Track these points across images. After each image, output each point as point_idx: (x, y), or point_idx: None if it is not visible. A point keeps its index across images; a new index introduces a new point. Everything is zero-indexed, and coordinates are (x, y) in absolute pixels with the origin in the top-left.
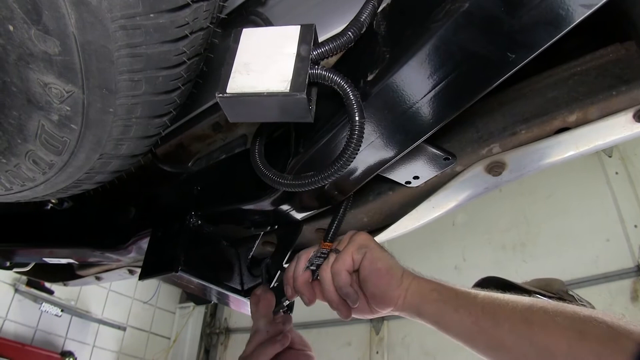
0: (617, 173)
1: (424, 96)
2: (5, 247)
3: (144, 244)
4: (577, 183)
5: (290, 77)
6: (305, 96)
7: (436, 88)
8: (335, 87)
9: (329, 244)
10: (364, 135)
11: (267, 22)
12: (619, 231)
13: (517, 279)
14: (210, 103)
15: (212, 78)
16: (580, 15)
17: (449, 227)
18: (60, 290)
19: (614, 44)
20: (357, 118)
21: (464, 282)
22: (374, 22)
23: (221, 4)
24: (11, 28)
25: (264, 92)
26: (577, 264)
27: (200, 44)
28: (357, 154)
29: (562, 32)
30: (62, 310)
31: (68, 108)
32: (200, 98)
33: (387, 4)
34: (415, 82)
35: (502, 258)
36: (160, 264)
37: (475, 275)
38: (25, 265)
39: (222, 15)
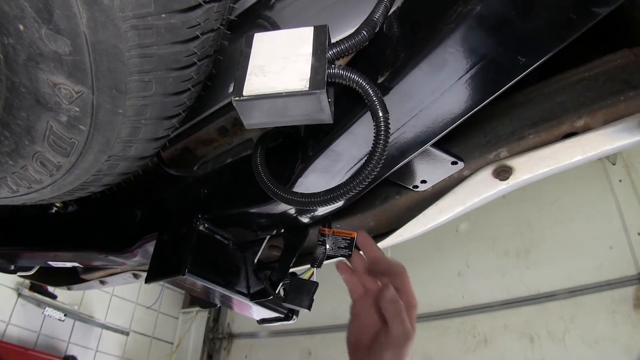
0: (620, 181)
1: (434, 99)
2: (10, 251)
3: (150, 247)
4: (581, 190)
5: (309, 76)
6: (325, 94)
7: (446, 91)
8: (354, 85)
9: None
10: (390, 132)
11: (275, 26)
12: (623, 239)
13: (520, 285)
14: (218, 106)
15: (221, 81)
16: (592, 19)
17: (453, 233)
18: (63, 295)
19: (622, 50)
20: (381, 114)
21: (468, 288)
22: (385, 24)
23: (231, 5)
24: (21, 27)
25: (282, 92)
26: (581, 271)
27: (211, 45)
28: (384, 157)
29: (574, 36)
30: (65, 315)
31: (77, 109)
32: (208, 101)
33: (398, 6)
34: (426, 84)
35: (505, 265)
36: (167, 267)
37: (479, 281)
38: (29, 269)
39: (232, 17)
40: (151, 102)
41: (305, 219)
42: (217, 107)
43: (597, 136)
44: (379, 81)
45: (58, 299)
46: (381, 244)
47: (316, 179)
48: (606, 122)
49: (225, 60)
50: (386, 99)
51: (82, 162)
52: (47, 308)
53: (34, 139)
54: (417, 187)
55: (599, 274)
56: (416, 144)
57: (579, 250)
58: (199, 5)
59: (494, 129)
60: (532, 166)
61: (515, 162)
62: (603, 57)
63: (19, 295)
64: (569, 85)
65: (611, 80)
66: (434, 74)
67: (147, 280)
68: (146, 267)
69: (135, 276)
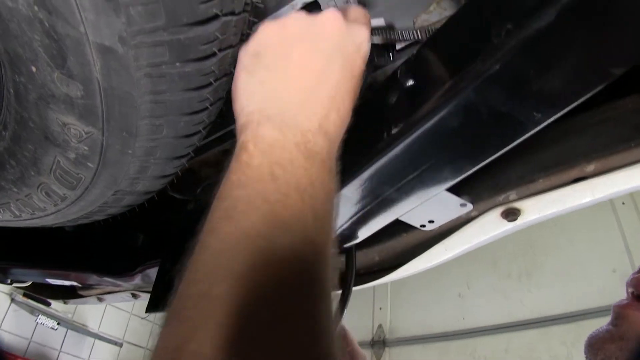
0: (623, 203)
1: (447, 150)
2: (6, 265)
3: (151, 272)
4: (583, 212)
5: None
6: None
7: (460, 143)
8: None
9: None
10: None
11: None
12: (626, 262)
13: (522, 308)
14: (225, 131)
15: (228, 107)
16: (608, 78)
17: None
18: (57, 302)
19: (632, 95)
20: None
21: (469, 310)
22: (398, 71)
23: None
24: (34, 69)
25: None
26: (583, 295)
27: (224, 88)
28: None
29: (590, 93)
30: (58, 323)
31: (86, 148)
32: (216, 127)
33: (413, 54)
34: (440, 137)
35: (507, 287)
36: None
37: (479, 303)
38: (25, 280)
39: None
40: (161, 143)
41: None
42: (224, 131)
43: (606, 180)
44: (393, 132)
45: (52, 306)
46: (386, 279)
47: None
48: (616, 167)
49: None
50: (399, 151)
51: (87, 196)
52: (40, 315)
53: (40, 170)
54: (424, 226)
55: (602, 298)
56: (429, 191)
57: (582, 274)
58: (213, 55)
59: (504, 172)
60: (541, 208)
61: (524, 205)
62: (614, 102)
63: (12, 300)
64: (579, 130)
65: (622, 125)
66: (447, 127)
67: (148, 310)
68: (145, 289)
69: (134, 296)
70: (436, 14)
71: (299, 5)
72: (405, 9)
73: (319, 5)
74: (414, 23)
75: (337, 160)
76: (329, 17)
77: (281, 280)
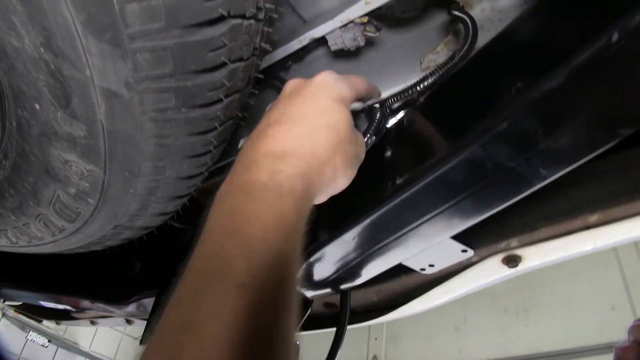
0: None
1: (452, 202)
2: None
3: (146, 301)
4: None
5: None
6: None
7: (463, 197)
8: None
9: None
10: None
11: None
12: (624, 300)
13: (519, 344)
14: (225, 162)
15: (233, 142)
16: (616, 138)
17: None
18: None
19: (637, 146)
20: None
21: (465, 343)
22: (405, 120)
23: (252, 90)
24: (37, 107)
25: None
26: (581, 332)
27: (228, 131)
28: None
29: (597, 152)
30: (49, 341)
31: (87, 185)
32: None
33: (420, 103)
34: (444, 190)
35: (504, 321)
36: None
37: (476, 337)
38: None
39: (249, 101)
40: (163, 184)
41: (308, 294)
42: (225, 162)
43: (609, 230)
44: (397, 182)
45: (43, 322)
46: (383, 319)
47: (326, 261)
48: (620, 218)
49: (238, 130)
50: (404, 199)
51: (86, 229)
52: (31, 332)
53: (39, 202)
54: (424, 269)
55: (600, 335)
56: (432, 239)
57: (580, 311)
58: (219, 101)
59: (507, 220)
60: (542, 256)
61: (525, 252)
62: (618, 153)
63: (3, 315)
64: (583, 180)
65: (626, 177)
66: (451, 181)
67: (143, 342)
68: (139, 317)
69: (128, 322)
70: (443, 55)
71: (306, 41)
72: (412, 49)
73: (327, 41)
74: (421, 63)
75: (307, 177)
76: (289, 82)
77: (198, 342)
